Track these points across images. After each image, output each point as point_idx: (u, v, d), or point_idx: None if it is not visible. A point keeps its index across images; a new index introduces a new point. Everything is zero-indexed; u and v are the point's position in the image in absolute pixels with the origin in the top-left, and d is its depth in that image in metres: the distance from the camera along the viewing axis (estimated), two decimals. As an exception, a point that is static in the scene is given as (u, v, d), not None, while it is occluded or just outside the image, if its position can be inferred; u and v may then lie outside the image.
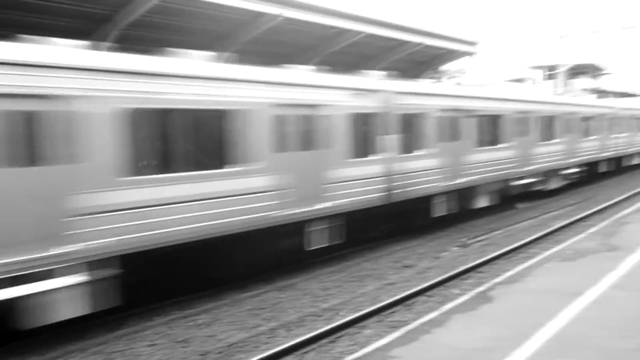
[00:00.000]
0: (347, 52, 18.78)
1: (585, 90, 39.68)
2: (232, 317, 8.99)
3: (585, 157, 24.48)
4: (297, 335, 7.89)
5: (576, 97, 28.66)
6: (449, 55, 22.03)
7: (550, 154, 21.09)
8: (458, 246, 13.71)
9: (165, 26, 13.78)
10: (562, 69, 34.24)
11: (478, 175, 16.33)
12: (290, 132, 10.82)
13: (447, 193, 15.34)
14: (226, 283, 10.34)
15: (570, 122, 23.15)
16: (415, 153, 14.00)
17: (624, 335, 5.63)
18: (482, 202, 17.02)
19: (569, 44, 40.85)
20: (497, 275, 9.02)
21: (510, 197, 18.98)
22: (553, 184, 21.66)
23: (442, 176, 14.86)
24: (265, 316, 9.06)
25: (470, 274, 11.05)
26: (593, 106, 26.73)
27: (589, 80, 51.46)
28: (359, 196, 12.23)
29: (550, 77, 40.94)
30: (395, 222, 14.28)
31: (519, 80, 25.82)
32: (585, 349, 5.37)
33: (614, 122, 28.60)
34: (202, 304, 9.56)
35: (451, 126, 15.41)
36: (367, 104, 12.50)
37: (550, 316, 6.29)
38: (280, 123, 10.52)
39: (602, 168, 27.32)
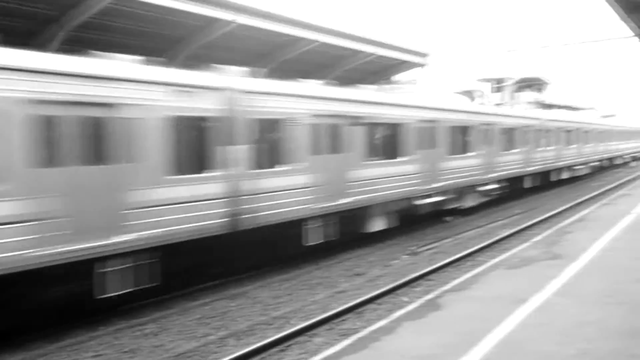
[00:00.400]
0: (302, 60, 18.83)
1: (530, 102, 40.93)
2: (180, 327, 8.82)
3: (507, 172, 22.66)
4: (247, 344, 7.81)
5: (498, 106, 27.59)
6: (401, 65, 22.38)
7: (465, 168, 18.91)
8: (408, 254, 13.88)
9: (116, 29, 13.50)
10: (509, 82, 35.26)
11: (369, 194, 14.01)
12: (60, 139, 8.02)
13: (325, 216, 12.82)
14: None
15: (489, 133, 21.26)
16: (277, 168, 11.52)
17: (566, 341, 5.80)
18: (377, 225, 14.73)
19: (516, 58, 42.02)
20: (446, 283, 9.16)
21: (418, 217, 16.90)
22: (469, 202, 19.63)
23: (316, 196, 12.37)
24: (214, 325, 8.94)
25: (420, 281, 11.20)
26: (517, 117, 25.14)
27: (535, 93, 53.14)
28: (181, 224, 9.53)
29: (498, 89, 42.06)
30: (249, 254, 11.48)
31: (467, 92, 26.32)
32: (529, 354, 5.50)
33: (541, 134, 27.27)
34: (149, 313, 9.35)
35: (330, 135, 12.98)
36: (199, 105, 9.93)
37: (497, 323, 6.42)
38: (41, 127, 7.81)
39: (527, 183, 25.65)
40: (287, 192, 11.61)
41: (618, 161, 49.48)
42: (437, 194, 17.07)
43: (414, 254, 13.90)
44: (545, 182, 28.47)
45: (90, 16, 12.38)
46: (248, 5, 14.42)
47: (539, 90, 55.55)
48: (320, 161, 12.48)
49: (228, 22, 14.17)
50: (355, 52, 18.85)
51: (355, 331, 7.42)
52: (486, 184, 20.66)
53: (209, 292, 10.50)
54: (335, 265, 12.93)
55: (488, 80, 43.70)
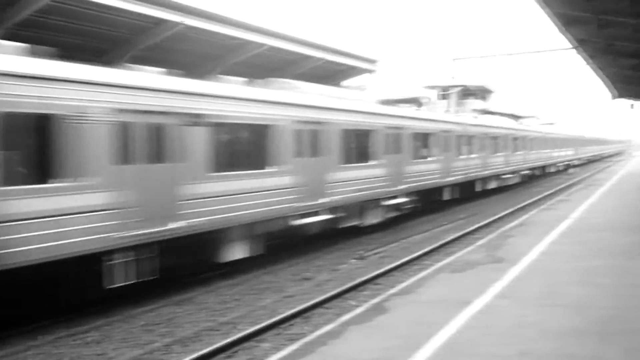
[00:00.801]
0: (251, 64, 18.73)
1: (475, 110, 41.99)
2: (124, 334, 8.61)
3: (421, 183, 20.23)
4: (193, 351, 7.69)
5: (410, 109, 23.38)
6: (350, 71, 22.57)
7: (364, 180, 16.30)
8: (356, 258, 13.99)
9: (58, 28, 13.07)
10: (454, 90, 36.15)
11: (215, 215, 10.96)
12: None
13: (138, 248, 9.59)
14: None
15: (398, 138, 18.59)
16: (39, 186, 8.11)
17: (507, 342, 5.97)
18: (235, 253, 11.92)
19: (461, 66, 43.08)
20: (393, 287, 9.28)
21: (308, 239, 14.75)
22: (370, 219, 17.05)
23: (116, 222, 9.06)
24: (160, 332, 8.77)
25: (368, 285, 11.30)
26: (434, 120, 22.40)
27: (479, 102, 54.60)
28: None
29: (444, 97, 43.01)
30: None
31: (414, 99, 26.69)
32: (472, 356, 5.64)
33: (464, 140, 25.25)
34: (91, 321, 9.08)
35: (145, 140, 9.75)
36: None
37: (441, 325, 6.55)
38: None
39: (447, 195, 23.43)
40: (57, 218, 8.25)
41: (552, 169, 48.27)
42: (325, 211, 14.47)
43: (362, 258, 14.03)
44: (470, 193, 26.49)
45: (31, 13, 11.96)
46: (196, 7, 14.22)
47: (484, 98, 57.10)
48: (126, 173, 9.36)
49: (175, 24, 13.94)
50: (305, 57, 18.91)
51: (303, 336, 7.42)
52: (393, 197, 18.20)
53: (155, 298, 10.29)
54: (284, 269, 12.90)
55: (434, 87, 44.65)
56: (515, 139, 34.34)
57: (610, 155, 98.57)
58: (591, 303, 7.37)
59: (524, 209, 22.58)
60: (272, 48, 17.00)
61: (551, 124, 67.50)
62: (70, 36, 13.64)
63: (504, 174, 31.36)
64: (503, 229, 14.73)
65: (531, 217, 16.52)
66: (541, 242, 11.85)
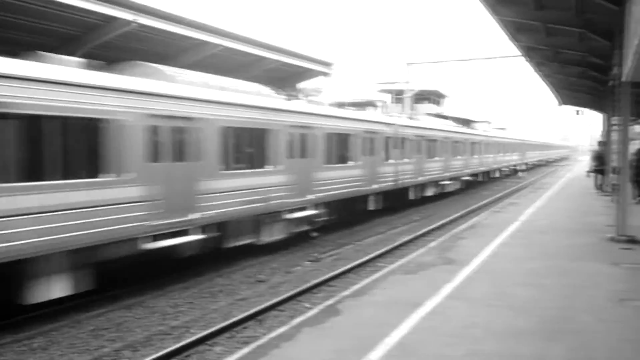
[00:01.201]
0: (206, 64, 18.52)
1: (429, 114, 42.69)
2: (72, 339, 8.40)
3: (336, 192, 17.48)
4: (144, 356, 7.59)
5: (323, 106, 19.33)
6: (306, 74, 22.59)
7: (255, 189, 13.43)
8: (310, 261, 14.03)
9: (4, 24, 12.66)
10: (408, 94, 36.69)
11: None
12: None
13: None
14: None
15: (304, 139, 15.68)
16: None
17: (456, 343, 6.11)
18: (49, 292, 9.02)
19: (416, 71, 43.72)
20: (346, 289, 9.36)
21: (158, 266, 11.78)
22: (268, 236, 14.29)
23: None
24: (109, 337, 8.60)
25: (322, 287, 11.37)
26: (354, 119, 19.36)
27: (433, 106, 55.56)
28: None
29: (398, 100, 43.57)
30: None
31: (369, 102, 26.90)
32: (422, 357, 5.75)
33: (394, 143, 22.69)
34: (37, 326, 8.83)
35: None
36: None
37: (393, 327, 6.65)
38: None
39: (373, 204, 20.79)
40: None
41: (496, 174, 46.48)
42: (197, 229, 11.81)
43: (316, 260, 14.08)
44: (402, 202, 24.17)
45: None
46: (149, 6, 13.99)
47: (438, 103, 58.13)
48: None
49: (128, 22, 13.67)
50: (260, 59, 18.83)
51: (256, 339, 7.41)
52: (300, 209, 15.47)
53: (104, 303, 10.08)
54: (237, 272, 12.83)
55: (389, 91, 45.19)
56: (455, 142, 32.19)
57: (556, 160, 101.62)
58: (536, 303, 7.61)
59: (475, 211, 23.09)
60: (227, 49, 16.88)
61: (503, 128, 69.09)
62: (18, 32, 13.22)
63: (442, 180, 29.16)
64: (454, 231, 15.02)
65: (482, 220, 16.91)
66: (490, 244, 12.15)
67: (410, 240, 16.32)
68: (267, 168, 14.16)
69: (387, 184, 21.78)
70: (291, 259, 14.29)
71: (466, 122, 50.68)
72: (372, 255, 14.20)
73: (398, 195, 23.52)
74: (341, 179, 17.98)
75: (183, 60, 17.02)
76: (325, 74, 22.74)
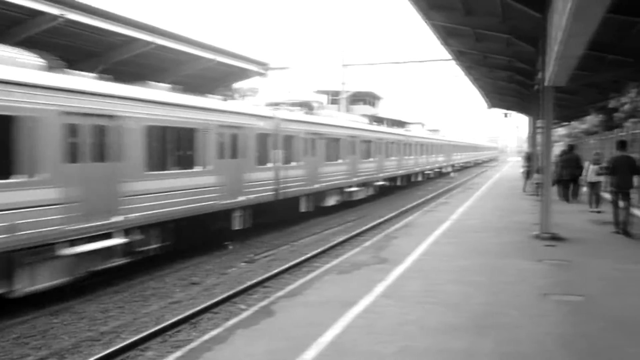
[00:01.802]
0: (137, 63, 18.06)
1: (364, 115, 43.27)
2: (-8, 348, 7.99)
3: (165, 210, 12.84)
4: (70, 363, 7.30)
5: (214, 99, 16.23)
6: (242, 74, 22.43)
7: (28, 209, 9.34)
8: (245, 262, 13.91)
9: None
10: (344, 95, 37.07)
11: None
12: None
13: None
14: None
15: (102, 136, 11.09)
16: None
17: (388, 340, 6.20)
18: None
19: (351, 73, 44.06)
20: (281, 289, 9.33)
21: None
22: (36, 281, 9.55)
23: None
24: (34, 344, 8.23)
25: (257, 288, 11.29)
26: (197, 108, 14.14)
27: (369, 107, 56.39)
28: None
29: (334, 101, 43.96)
30: None
31: (305, 103, 26.88)
32: (355, 355, 5.80)
33: (274, 142, 18.45)
34: (-46, 336, 8.34)
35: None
36: None
37: (327, 326, 6.67)
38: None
39: (238, 223, 16.18)
40: None
41: (419, 178, 42.31)
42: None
43: (252, 261, 13.97)
44: (290, 215, 19.78)
45: None
46: (77, 1, 13.51)
47: (373, 104, 58.99)
48: None
49: (54, 17, 13.14)
50: (195, 58, 18.52)
51: (189, 342, 7.28)
52: (106, 235, 11.06)
53: (29, 309, 9.64)
54: (170, 274, 12.57)
55: (325, 92, 45.55)
56: (366, 142, 27.99)
57: (484, 161, 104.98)
58: (466, 300, 7.83)
59: (408, 211, 23.55)
60: (160, 47, 16.50)
61: (436, 130, 70.77)
62: None
63: (348, 187, 25.04)
64: (388, 230, 15.27)
65: (415, 219, 17.27)
66: (423, 243, 12.42)
67: (346, 240, 16.47)
68: (22, 179, 9.50)
69: (262, 194, 17.29)
70: (226, 260, 14.12)
71: (400, 124, 51.57)
72: (307, 255, 14.22)
73: (282, 207, 19.15)
74: (177, 191, 13.27)
75: (112, 57, 16.54)
76: (261, 74, 22.63)
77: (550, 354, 5.74)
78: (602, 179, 17.62)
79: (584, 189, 19.56)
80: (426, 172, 44.51)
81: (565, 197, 21.19)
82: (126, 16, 15.05)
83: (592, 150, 23.61)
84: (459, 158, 66.73)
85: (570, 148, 23.56)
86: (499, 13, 14.10)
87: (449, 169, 58.50)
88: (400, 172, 35.19)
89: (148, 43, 16.06)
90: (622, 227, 13.32)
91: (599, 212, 17.42)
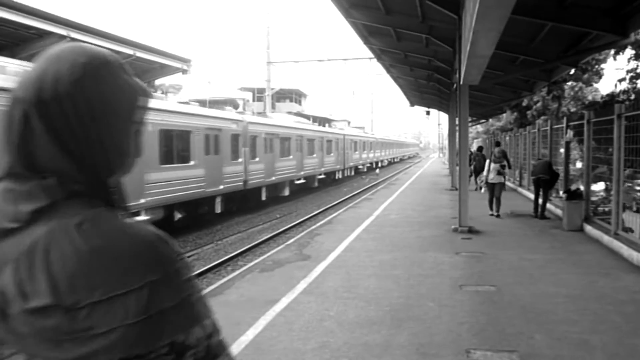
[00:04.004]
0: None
1: (290, 113, 43.35)
2: None
3: None
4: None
5: None
6: (163, 70, 21.89)
7: None
8: (168, 262, 13.64)
9: None
10: (269, 92, 36.94)
11: None
12: None
13: None
14: None
15: None
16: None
17: (308, 337, 6.25)
18: None
19: (276, 70, 43.80)
20: (203, 290, 9.19)
21: None
22: None
23: None
24: None
25: (179, 289, 11.08)
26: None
27: (294, 105, 56.48)
28: None
29: (259, 99, 43.73)
30: None
31: (230, 100, 26.64)
32: (275, 353, 5.81)
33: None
34: None
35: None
36: None
37: (248, 325, 6.64)
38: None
39: None
40: None
41: (352, 173, 42.36)
42: None
43: (174, 261, 13.72)
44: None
45: None
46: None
47: (298, 102, 59.11)
48: None
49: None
50: (113, 52, 17.93)
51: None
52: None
53: None
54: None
55: (250, 89, 45.25)
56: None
57: (409, 157, 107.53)
58: (386, 293, 8.00)
59: (333, 207, 23.81)
60: (74, 40, 15.84)
61: (362, 127, 71.71)
62: None
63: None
64: (312, 227, 15.37)
65: (338, 215, 17.47)
66: (346, 239, 12.59)
67: (270, 238, 16.45)
68: None
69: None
70: (147, 261, 13.79)
71: (327, 121, 51.97)
72: (231, 254, 14.11)
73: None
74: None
75: (24, 51, 15.75)
76: (183, 71, 22.18)
77: (462, 342, 5.98)
78: (502, 179, 16.44)
79: (482, 191, 17.65)
80: (359, 166, 49.18)
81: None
82: (39, 9, 14.36)
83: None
84: (384, 154, 68.53)
85: (479, 149, 26.13)
86: (418, 13, 14.49)
87: (377, 165, 59.88)
88: (337, 166, 39.39)
89: (63, 37, 15.39)
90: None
91: (498, 216, 15.97)
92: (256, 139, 23.17)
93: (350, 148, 44.40)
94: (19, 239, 0.93)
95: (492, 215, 16.10)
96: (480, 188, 17.85)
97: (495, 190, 16.17)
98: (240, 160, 21.51)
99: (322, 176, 34.58)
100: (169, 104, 17.52)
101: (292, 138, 28.19)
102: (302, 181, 30.16)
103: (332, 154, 37.24)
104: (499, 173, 16.27)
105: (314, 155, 32.38)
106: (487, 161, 16.77)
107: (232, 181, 20.67)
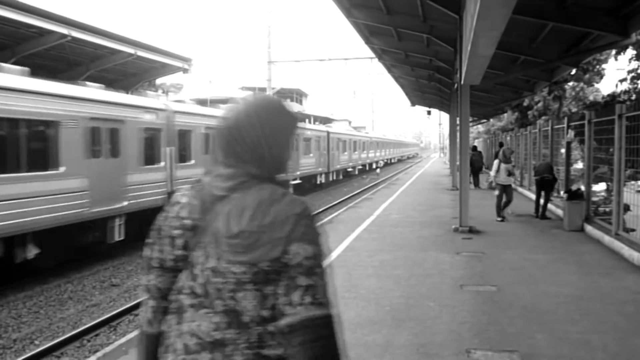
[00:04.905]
0: (50, 56, 17.32)
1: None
2: None
3: None
4: (-23, 374, 6.91)
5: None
6: (164, 69, 21.92)
7: None
8: (169, 261, 13.64)
9: None
10: (270, 92, 36.94)
11: None
12: None
13: None
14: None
15: None
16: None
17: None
18: None
19: (277, 70, 43.88)
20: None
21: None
22: None
23: None
24: None
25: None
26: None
27: (295, 104, 56.49)
28: None
29: (260, 98, 43.61)
30: None
31: (231, 100, 26.67)
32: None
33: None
34: None
35: None
36: None
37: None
38: None
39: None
40: None
41: (356, 172, 41.79)
42: None
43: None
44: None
45: None
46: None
47: (299, 101, 59.11)
48: None
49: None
50: (113, 52, 17.94)
51: (107, 346, 7.07)
52: None
53: None
54: (89, 276, 12.17)
55: (250, 88, 45.21)
56: (152, 131, 16.23)
57: (409, 157, 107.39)
58: (386, 293, 8.01)
59: (333, 207, 23.83)
60: (75, 40, 15.86)
61: (362, 127, 71.65)
62: None
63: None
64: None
65: (339, 215, 17.47)
66: (346, 239, 12.59)
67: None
68: None
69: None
70: (148, 260, 13.81)
71: (327, 121, 51.87)
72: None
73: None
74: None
75: (23, 50, 15.78)
76: (184, 70, 22.20)
77: (463, 342, 5.98)
78: (512, 180, 15.74)
79: (497, 192, 15.51)
80: (349, 169, 44.75)
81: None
82: (40, 7, 14.38)
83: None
84: (380, 155, 67.07)
85: (473, 148, 27.44)
86: (419, 13, 14.49)
87: (377, 165, 59.19)
88: (320, 169, 34.55)
89: (63, 35, 15.41)
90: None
91: (503, 219, 15.21)
92: (189, 134, 17.77)
93: (337, 148, 39.39)
94: (225, 201, 1.69)
95: (501, 220, 15.03)
96: (493, 189, 15.60)
97: (507, 193, 15.32)
98: (160, 164, 16.26)
99: (297, 181, 28.88)
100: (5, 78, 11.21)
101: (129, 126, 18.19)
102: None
103: (311, 155, 31.72)
104: (510, 174, 15.38)
105: (311, 155, 29.14)
106: (497, 161, 15.50)
107: (145, 194, 15.21)
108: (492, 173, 15.58)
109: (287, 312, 1.62)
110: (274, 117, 1.80)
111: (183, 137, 17.50)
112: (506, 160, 15.33)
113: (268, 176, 1.77)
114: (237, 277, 1.62)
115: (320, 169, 34.26)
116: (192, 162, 17.95)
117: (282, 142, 1.81)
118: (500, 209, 15.40)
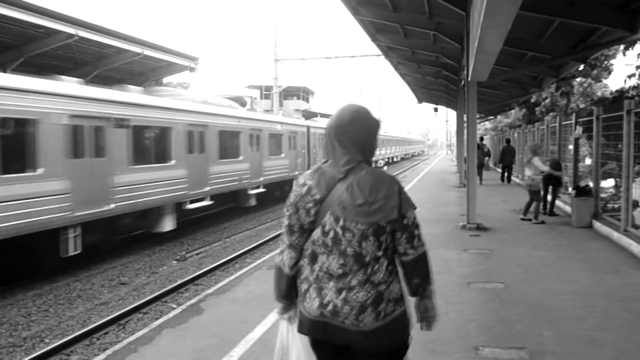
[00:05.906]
0: (58, 56, 17.39)
1: (297, 110, 43.39)
2: None
3: None
4: (-13, 372, 6.97)
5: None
6: (170, 68, 21.96)
7: None
8: (177, 260, 13.71)
9: None
10: (276, 90, 36.94)
11: None
12: None
13: None
14: None
15: None
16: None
17: (317, 333, 6.25)
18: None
19: (284, 68, 43.76)
20: (211, 287, 9.25)
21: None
22: None
23: None
24: (-54, 354, 7.82)
25: (189, 286, 11.16)
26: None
27: (302, 102, 56.50)
28: None
29: (267, 96, 43.74)
30: None
31: (238, 98, 26.59)
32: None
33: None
34: None
35: None
36: None
37: (256, 322, 6.66)
38: None
39: None
40: None
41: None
42: None
43: (183, 259, 13.78)
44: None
45: None
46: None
47: (306, 99, 59.07)
48: None
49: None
50: (120, 51, 17.98)
51: (116, 344, 7.11)
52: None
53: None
54: (98, 275, 12.23)
55: (257, 87, 45.29)
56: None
57: (414, 155, 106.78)
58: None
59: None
60: (82, 39, 15.93)
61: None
62: None
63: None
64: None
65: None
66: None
67: (278, 235, 16.48)
68: None
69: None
70: (157, 258, 13.87)
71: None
72: (239, 252, 14.16)
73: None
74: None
75: (31, 50, 15.86)
76: (190, 69, 22.25)
77: (470, 339, 5.97)
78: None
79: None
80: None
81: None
82: (48, 8, 14.45)
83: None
84: (380, 153, 66.17)
85: (507, 142, 27.94)
86: (425, 10, 14.44)
87: (377, 165, 58.91)
88: (295, 173, 27.03)
89: (70, 35, 15.47)
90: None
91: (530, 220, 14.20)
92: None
93: (321, 146, 32.38)
94: (343, 181, 2.59)
95: (538, 223, 13.85)
96: (532, 187, 13.90)
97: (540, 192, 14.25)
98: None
99: (259, 190, 22.79)
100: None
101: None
102: (204, 203, 17.88)
103: (282, 155, 25.73)
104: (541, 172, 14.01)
105: (240, 158, 20.84)
106: (537, 158, 13.95)
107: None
108: (545, 169, 13.97)
109: (409, 252, 2.67)
110: (365, 121, 2.68)
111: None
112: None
113: (367, 161, 2.69)
114: (363, 231, 2.54)
115: (296, 173, 26.78)
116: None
117: (372, 138, 2.71)
118: (537, 211, 14.01)
